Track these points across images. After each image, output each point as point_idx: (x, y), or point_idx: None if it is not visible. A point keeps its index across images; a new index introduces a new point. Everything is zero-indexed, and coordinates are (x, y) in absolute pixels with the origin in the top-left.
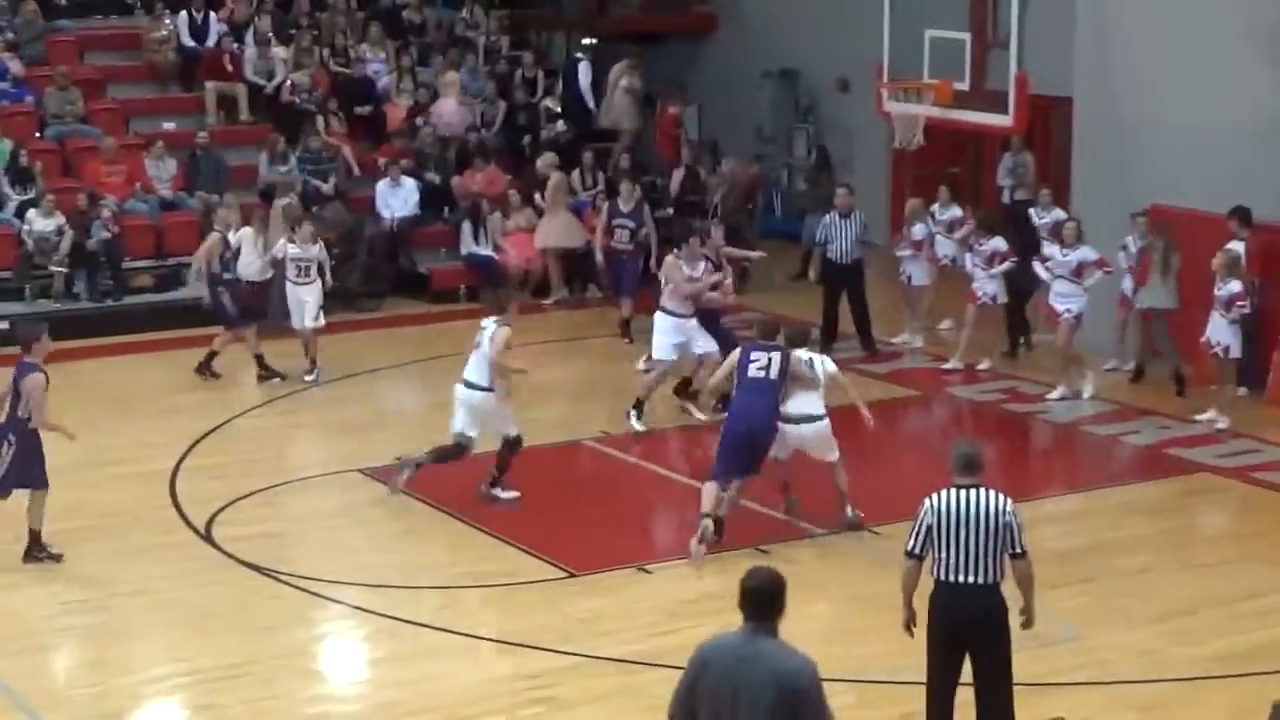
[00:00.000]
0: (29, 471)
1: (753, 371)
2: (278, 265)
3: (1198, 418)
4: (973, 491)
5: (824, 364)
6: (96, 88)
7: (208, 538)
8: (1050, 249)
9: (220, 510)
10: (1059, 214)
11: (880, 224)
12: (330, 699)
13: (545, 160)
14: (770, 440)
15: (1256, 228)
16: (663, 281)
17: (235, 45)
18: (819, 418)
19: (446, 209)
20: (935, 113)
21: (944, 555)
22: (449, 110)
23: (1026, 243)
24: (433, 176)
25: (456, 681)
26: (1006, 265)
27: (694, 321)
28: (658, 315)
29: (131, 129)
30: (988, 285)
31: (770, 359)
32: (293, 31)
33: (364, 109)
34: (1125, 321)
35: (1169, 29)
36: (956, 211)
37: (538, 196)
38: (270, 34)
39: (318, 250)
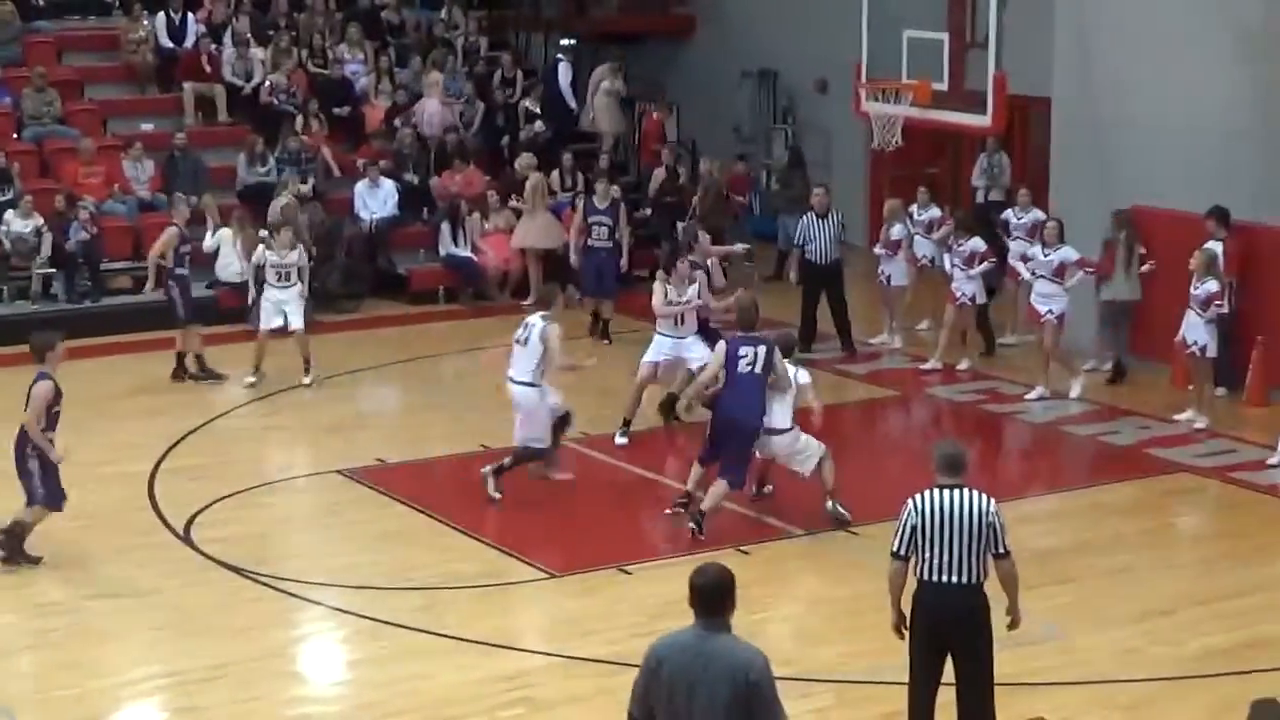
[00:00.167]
0: (59, 481)
1: (741, 367)
2: (259, 272)
3: (1176, 417)
4: (956, 492)
5: (798, 375)
6: (74, 89)
7: (187, 539)
8: (1032, 249)
9: (199, 512)
10: (1038, 214)
11: (859, 224)
12: (311, 700)
13: (524, 161)
14: (752, 432)
15: (1234, 228)
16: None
17: (213, 46)
18: (785, 430)
19: (425, 210)
20: (914, 113)
21: (928, 555)
22: (432, 111)
23: (991, 244)
24: (411, 177)
25: (437, 682)
26: (985, 265)
27: (691, 338)
28: (655, 336)
29: (109, 130)
30: (967, 286)
31: (756, 353)
32: (271, 32)
33: (342, 110)
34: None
35: (1147, 29)
36: (936, 212)
37: (514, 199)
38: (248, 35)
39: (297, 256)
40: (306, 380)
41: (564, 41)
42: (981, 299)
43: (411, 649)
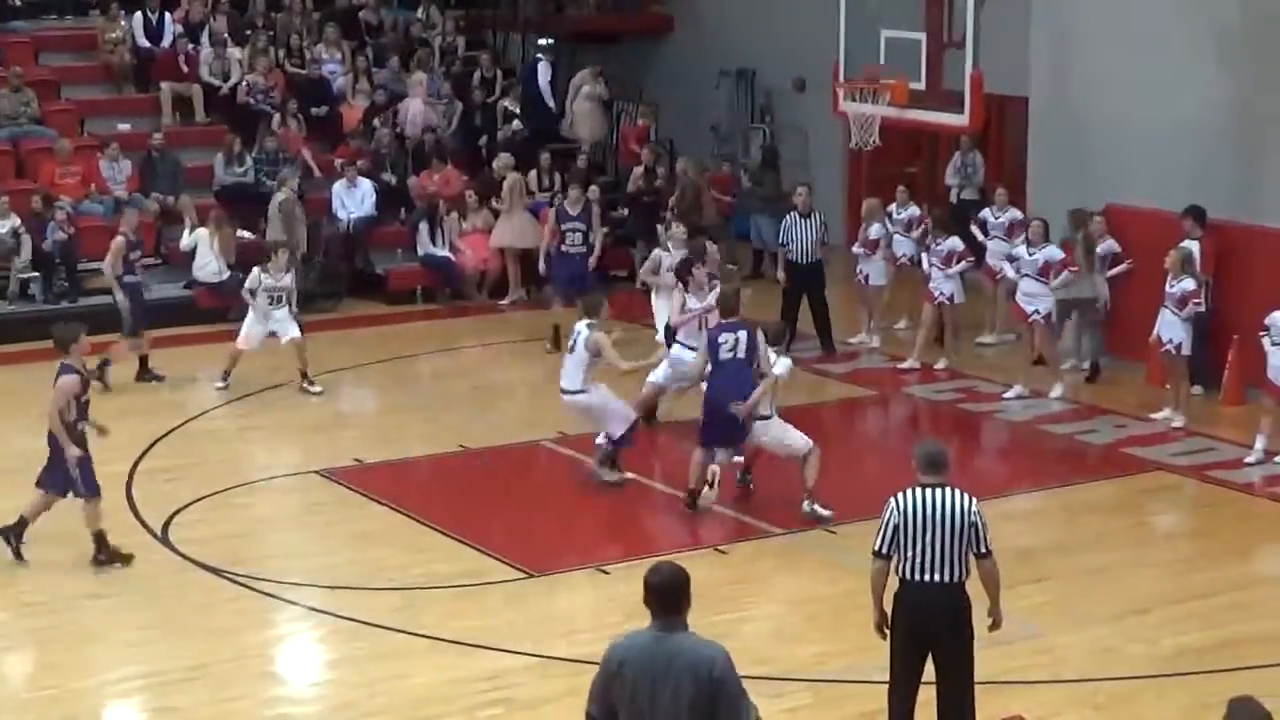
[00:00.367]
0: (73, 476)
1: (723, 354)
2: (252, 295)
3: (1153, 416)
4: (938, 491)
5: (775, 365)
6: (51, 89)
7: (164, 540)
8: (1017, 249)
9: (177, 513)
10: (1015, 213)
11: (837, 224)
12: (289, 700)
13: (501, 161)
14: (734, 424)
15: (1211, 227)
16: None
17: (190, 46)
18: (764, 418)
19: (403, 210)
20: (891, 113)
21: (910, 554)
22: (415, 111)
23: (967, 243)
24: (389, 177)
25: (415, 682)
26: (963, 265)
27: None
28: (674, 347)
29: (86, 130)
30: (945, 285)
31: (737, 338)
32: (248, 32)
33: (320, 110)
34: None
35: (1124, 28)
36: (915, 210)
37: (494, 201)
38: (226, 35)
39: (290, 279)
40: (317, 388)
41: (541, 41)
42: (960, 298)
43: (390, 649)
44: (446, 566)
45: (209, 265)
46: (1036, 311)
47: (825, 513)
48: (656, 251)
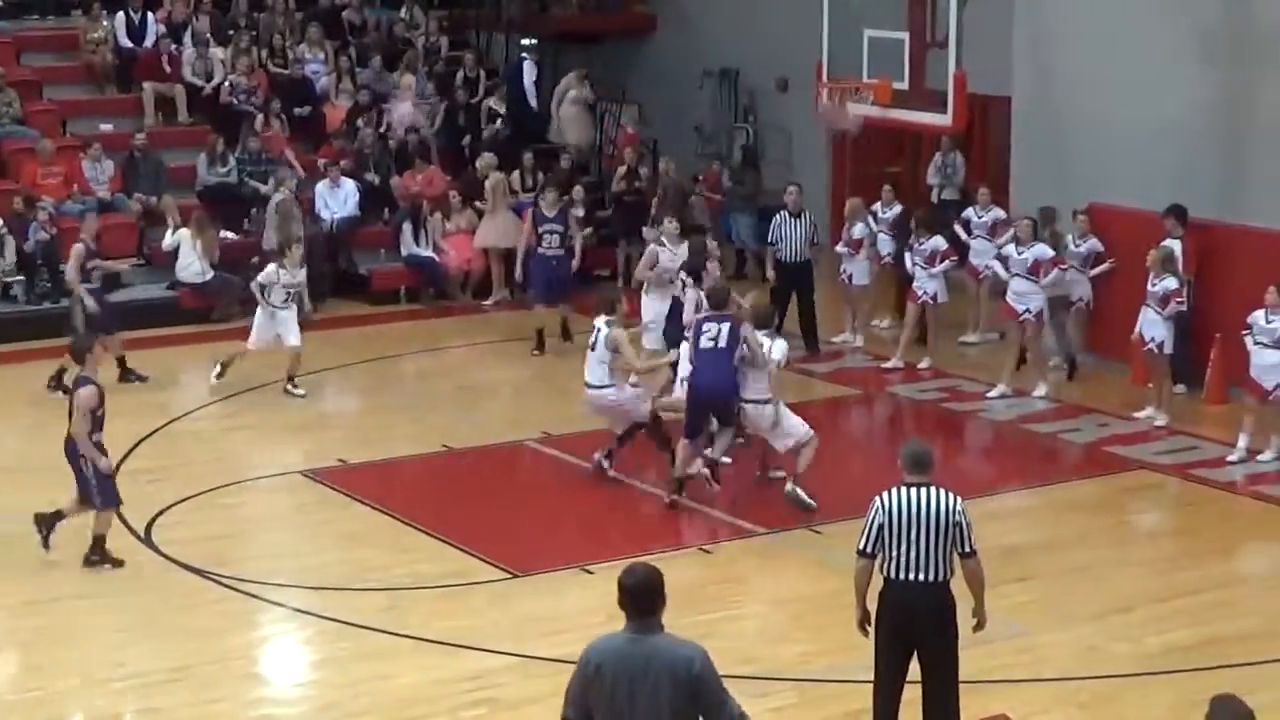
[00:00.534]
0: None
1: (704, 343)
2: (264, 292)
3: (1136, 415)
4: (923, 490)
5: (771, 351)
6: (33, 89)
7: (148, 541)
8: (1006, 248)
9: (160, 513)
10: (998, 213)
11: (820, 223)
12: (273, 702)
13: (485, 161)
14: (728, 401)
15: (1193, 226)
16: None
17: (173, 46)
18: (763, 401)
19: (386, 210)
20: (874, 112)
21: (894, 553)
22: (404, 112)
23: (950, 243)
24: (372, 177)
25: (399, 683)
26: (947, 264)
27: None
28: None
29: (69, 130)
30: (928, 284)
31: (720, 329)
32: (231, 32)
33: (303, 110)
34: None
35: (1107, 28)
36: (899, 209)
37: (477, 201)
38: (208, 35)
39: (303, 276)
40: (300, 391)
41: (524, 41)
42: (943, 298)
43: (374, 649)
44: (431, 567)
45: (192, 266)
46: (1028, 310)
47: (809, 501)
48: (652, 248)
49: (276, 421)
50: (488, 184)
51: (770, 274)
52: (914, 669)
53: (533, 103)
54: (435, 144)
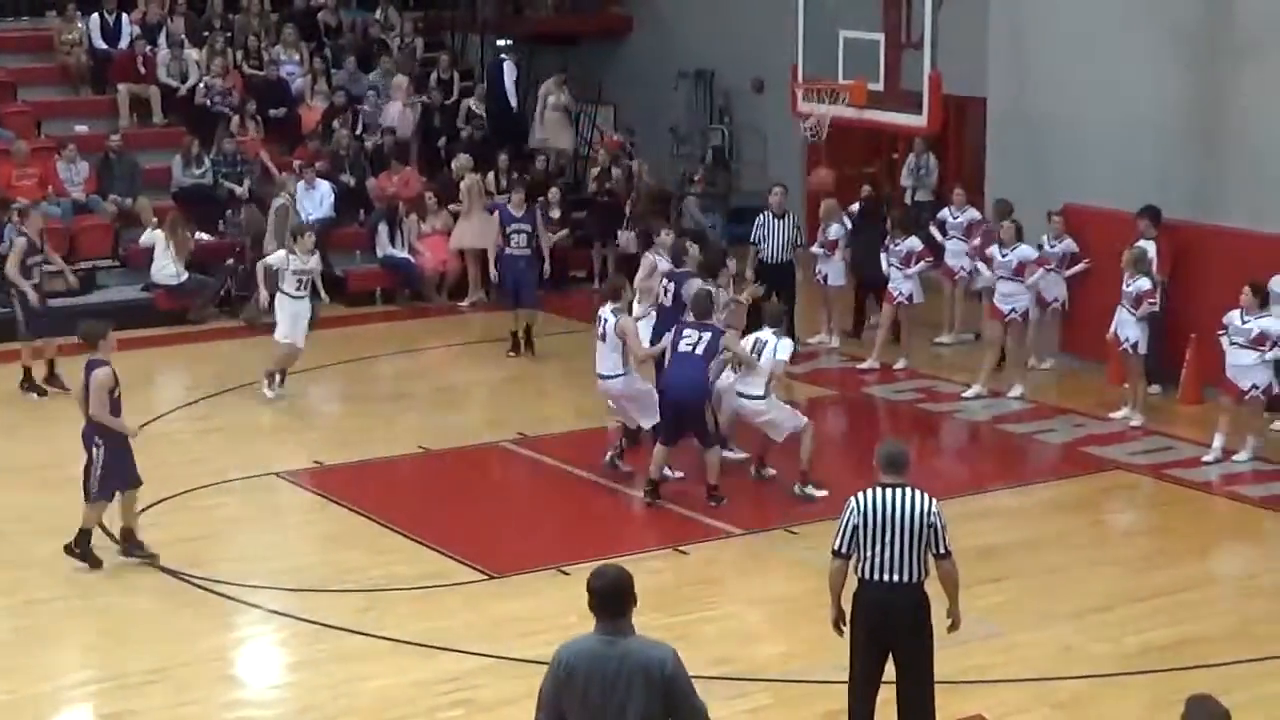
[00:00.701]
0: (123, 471)
1: (682, 347)
2: (271, 276)
3: (1112, 415)
4: (898, 491)
5: (774, 353)
6: (7, 90)
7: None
8: (990, 249)
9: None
10: (973, 213)
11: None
12: (249, 704)
13: (460, 162)
14: (696, 407)
15: (1168, 227)
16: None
17: (148, 47)
18: (756, 397)
19: (362, 211)
20: (850, 113)
21: (869, 554)
22: (395, 113)
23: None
24: (348, 178)
25: (377, 684)
26: (922, 265)
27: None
28: None
29: (43, 132)
30: (904, 285)
31: (701, 337)
32: (206, 33)
33: (278, 111)
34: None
35: (1082, 29)
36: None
37: (454, 205)
38: (183, 36)
39: (315, 261)
40: (271, 393)
41: (500, 42)
42: (919, 298)
43: (351, 651)
44: (408, 568)
45: (166, 268)
46: (1014, 310)
47: (818, 493)
48: (650, 257)
49: (252, 423)
50: (463, 185)
51: (749, 273)
52: (890, 670)
53: (513, 103)
54: (415, 145)
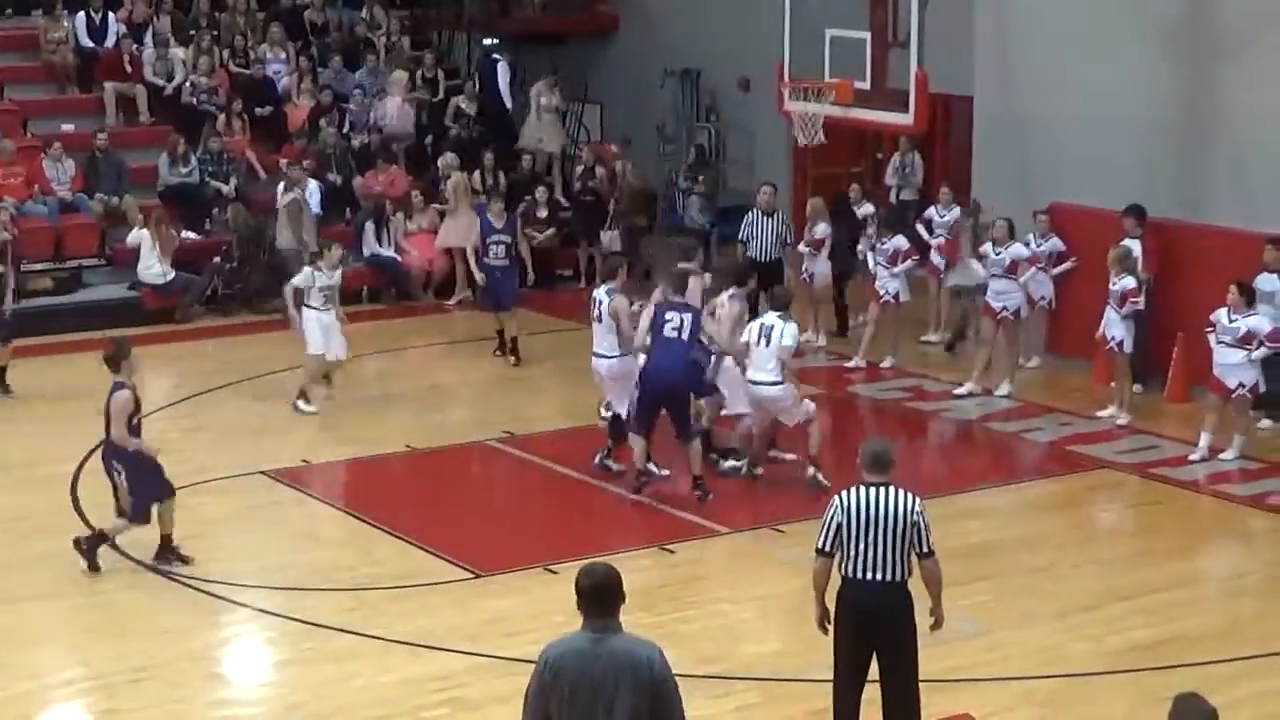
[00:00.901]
0: (153, 486)
1: (667, 332)
2: (297, 294)
3: (1099, 414)
4: (882, 490)
5: (781, 337)
6: None
7: (111, 543)
8: (984, 247)
9: (123, 514)
10: (959, 212)
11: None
12: (236, 702)
13: (446, 161)
14: (683, 394)
15: (1154, 226)
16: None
17: (134, 46)
18: (774, 383)
19: (348, 210)
20: (836, 112)
21: (852, 552)
22: (393, 109)
23: (852, 232)
24: (334, 177)
25: (363, 683)
26: (909, 264)
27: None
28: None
29: (30, 130)
30: (891, 284)
31: (683, 319)
32: (192, 32)
33: (264, 110)
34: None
35: (1068, 27)
36: (869, 208)
37: (434, 205)
38: (169, 34)
39: (339, 276)
40: (310, 408)
41: (487, 41)
42: (906, 297)
43: (337, 650)
44: (394, 567)
45: (153, 267)
46: (1005, 308)
47: (826, 483)
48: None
49: (238, 422)
50: (449, 184)
51: None
52: (875, 668)
53: (508, 103)
54: (407, 143)
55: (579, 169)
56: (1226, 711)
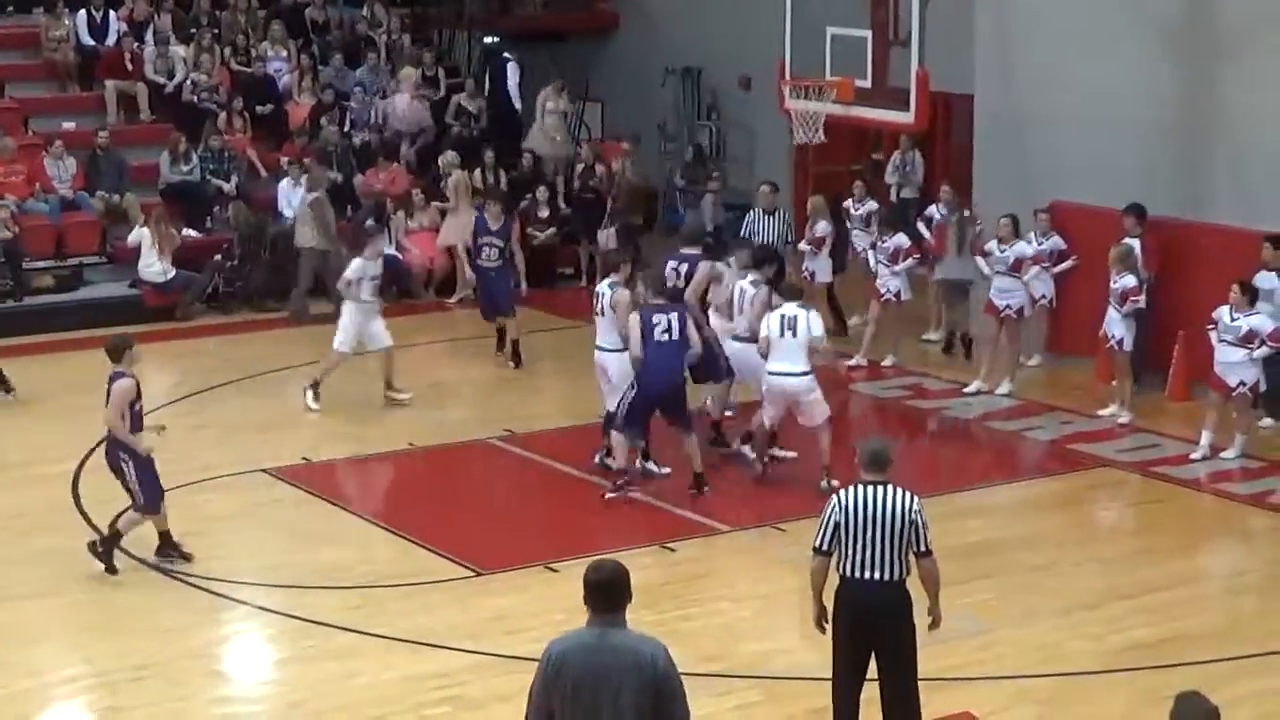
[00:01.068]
0: (157, 478)
1: (658, 335)
2: (348, 288)
3: (1100, 412)
4: (880, 488)
5: (809, 327)
6: None
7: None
8: (988, 245)
9: (124, 511)
10: (947, 208)
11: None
12: (237, 700)
13: (447, 159)
14: (677, 396)
15: (1155, 224)
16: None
17: (135, 44)
18: (804, 374)
19: (349, 208)
20: (837, 110)
21: (850, 551)
22: (403, 107)
23: (841, 232)
24: (335, 175)
25: (364, 681)
26: (910, 262)
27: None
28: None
29: (31, 128)
30: (892, 282)
31: (671, 321)
32: (193, 30)
33: (265, 108)
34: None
35: (1069, 26)
36: (873, 205)
37: (435, 203)
38: (170, 32)
39: (381, 264)
40: (405, 395)
41: (487, 39)
42: (907, 295)
43: (338, 648)
44: (395, 565)
45: (153, 265)
46: (1009, 306)
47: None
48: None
49: (241, 419)
50: (450, 182)
51: None
52: (874, 667)
53: (517, 104)
54: (423, 141)
55: (579, 167)
56: (1227, 710)
